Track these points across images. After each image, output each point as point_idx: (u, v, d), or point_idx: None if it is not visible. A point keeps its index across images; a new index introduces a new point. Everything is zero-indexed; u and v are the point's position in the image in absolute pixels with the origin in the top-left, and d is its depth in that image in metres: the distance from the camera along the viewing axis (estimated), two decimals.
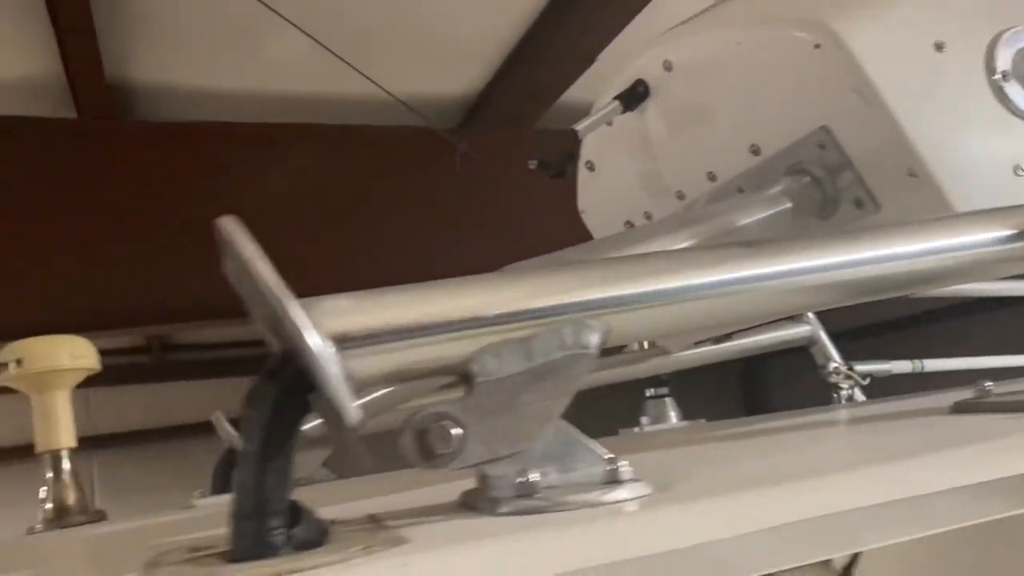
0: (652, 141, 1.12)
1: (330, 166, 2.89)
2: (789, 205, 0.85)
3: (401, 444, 0.46)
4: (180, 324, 3.24)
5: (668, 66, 1.03)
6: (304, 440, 1.33)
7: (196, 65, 2.67)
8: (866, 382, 1.42)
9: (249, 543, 0.40)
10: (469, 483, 0.49)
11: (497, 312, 0.46)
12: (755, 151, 0.96)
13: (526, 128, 3.07)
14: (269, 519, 0.41)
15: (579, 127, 1.08)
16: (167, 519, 0.84)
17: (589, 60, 2.66)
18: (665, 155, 1.09)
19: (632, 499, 0.44)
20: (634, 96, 1.07)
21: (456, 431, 0.44)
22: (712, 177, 1.03)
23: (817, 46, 0.84)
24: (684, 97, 1.03)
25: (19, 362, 0.83)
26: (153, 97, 2.77)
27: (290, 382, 0.42)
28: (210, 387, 6.04)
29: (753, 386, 5.81)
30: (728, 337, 1.36)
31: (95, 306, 2.82)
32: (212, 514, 0.89)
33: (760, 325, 1.39)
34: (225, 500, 1.11)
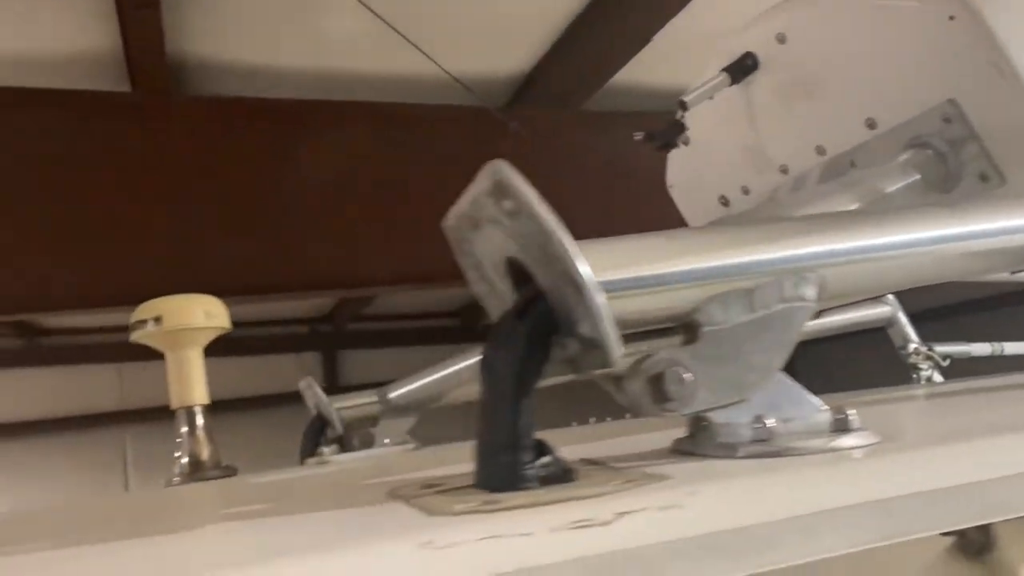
0: (756, 115, 1.12)
1: (380, 143, 2.90)
2: (918, 177, 0.86)
3: (629, 390, 0.47)
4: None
5: (781, 39, 1.03)
6: (390, 408, 1.34)
7: (251, 40, 2.68)
8: (946, 363, 1.42)
9: (504, 475, 0.42)
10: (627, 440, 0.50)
11: (725, 263, 0.47)
12: (871, 125, 0.97)
13: (573, 109, 3.06)
14: (523, 453, 0.42)
15: (687, 98, 1.08)
16: (318, 471, 0.86)
17: (642, 42, 2.65)
18: (770, 129, 1.09)
19: (864, 446, 0.45)
20: (742, 68, 1.08)
21: (688, 376, 0.45)
22: (821, 151, 1.03)
23: (952, 17, 0.84)
24: (796, 70, 1.03)
25: (157, 320, 0.85)
26: (207, 71, 2.78)
27: (540, 322, 0.43)
28: (245, 364, 6.12)
29: (816, 366, 6.10)
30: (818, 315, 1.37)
31: (146, 279, 2.85)
32: (361, 467, 0.91)
33: (844, 305, 1.40)
34: (355, 456, 1.13)
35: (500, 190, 0.42)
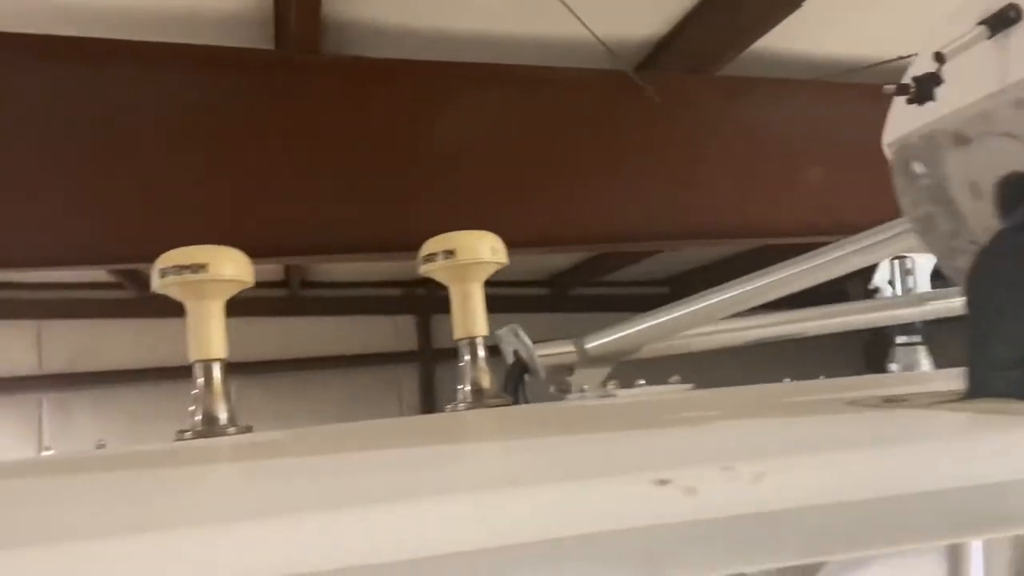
0: (1010, 69, 1.09)
1: (513, 106, 2.92)
2: None
3: None
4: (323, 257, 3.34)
5: None
6: (586, 359, 1.37)
7: (390, 1, 2.72)
8: None
9: (1017, 388, 0.43)
10: None
11: None
12: None
13: (710, 74, 3.02)
14: None
15: (945, 51, 1.06)
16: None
17: (792, 6, 2.59)
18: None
19: None
20: (1003, 21, 1.05)
21: None
22: None
23: None
24: None
25: (449, 253, 0.88)
26: (350, 32, 2.84)
27: None
28: (337, 324, 6.29)
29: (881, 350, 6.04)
30: None
31: (281, 237, 2.94)
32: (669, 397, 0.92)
33: None
34: (632, 392, 1.15)
35: None
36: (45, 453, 0.94)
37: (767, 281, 1.42)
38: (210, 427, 0.81)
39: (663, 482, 0.31)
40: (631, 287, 6.28)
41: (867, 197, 2.95)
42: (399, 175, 2.82)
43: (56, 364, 5.70)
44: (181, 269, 0.81)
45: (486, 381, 0.90)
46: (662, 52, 3.04)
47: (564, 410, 0.85)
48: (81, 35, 2.58)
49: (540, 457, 0.45)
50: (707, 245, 4.21)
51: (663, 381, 1.31)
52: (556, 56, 2.93)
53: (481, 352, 0.91)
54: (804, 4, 2.60)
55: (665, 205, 2.87)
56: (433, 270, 0.90)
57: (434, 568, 0.30)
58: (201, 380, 0.82)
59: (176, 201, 2.92)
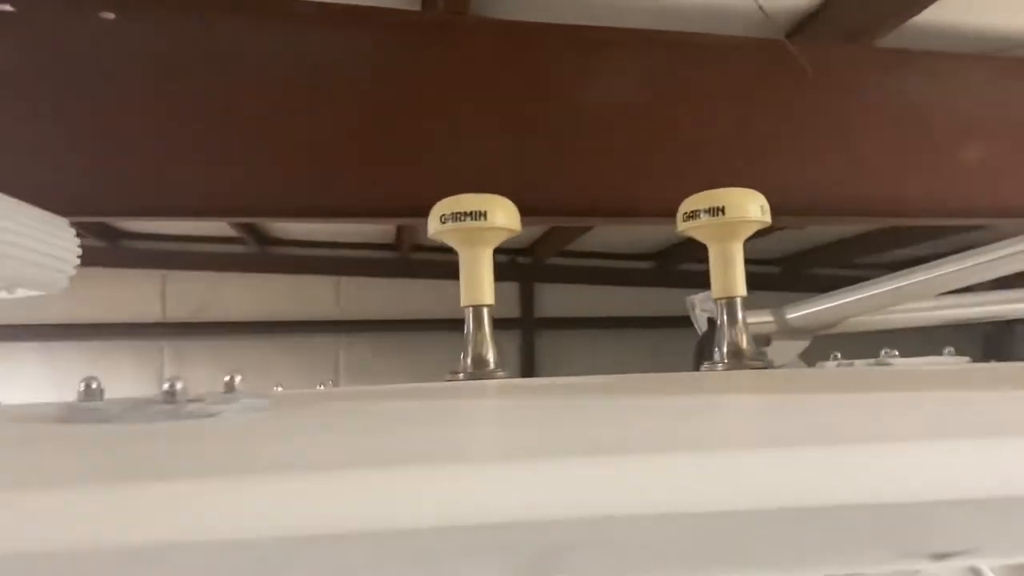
0: None
1: (666, 74, 2.87)
2: None
3: None
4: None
5: None
6: (785, 329, 1.34)
7: None
8: None
9: None
10: None
11: None
12: None
13: (865, 44, 2.91)
14: None
15: None
16: None
17: None
18: None
19: None
20: None
21: None
22: None
23: None
24: None
25: (717, 211, 0.87)
26: None
27: None
28: (441, 287, 6.38)
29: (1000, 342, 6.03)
30: None
31: (420, 194, 2.97)
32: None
33: None
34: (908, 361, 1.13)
35: None
36: (277, 389, 0.98)
37: (969, 264, 1.37)
38: (480, 369, 0.83)
39: None
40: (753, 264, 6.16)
41: None
42: (545, 140, 2.82)
43: (179, 313, 5.97)
44: (461, 216, 0.82)
45: (744, 342, 0.89)
46: (815, 20, 2.94)
47: (850, 375, 0.83)
48: None
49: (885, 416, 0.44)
50: (859, 222, 4.09)
51: (860, 357, 1.28)
52: (706, 22, 2.87)
53: (740, 313, 0.90)
54: None
55: (816, 179, 2.79)
56: (694, 228, 0.89)
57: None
58: (471, 324, 0.84)
59: (309, 159, 2.99)
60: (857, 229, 5.34)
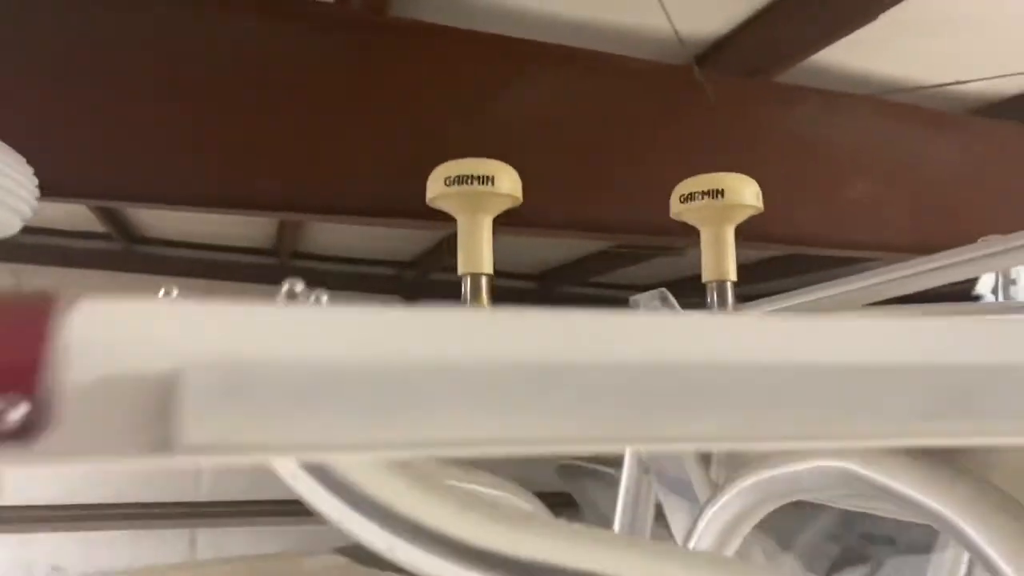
0: None
1: (577, 90, 2.91)
2: None
3: None
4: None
5: None
6: None
7: None
8: None
9: None
10: None
11: None
12: None
13: (762, 79, 3.07)
14: None
15: None
16: None
17: (866, 18, 2.64)
18: None
19: None
20: None
21: None
22: None
23: None
24: None
25: (717, 194, 0.87)
26: None
27: None
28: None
29: None
30: None
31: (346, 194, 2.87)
32: None
33: None
34: None
35: None
36: None
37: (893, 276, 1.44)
38: None
39: None
40: (624, 290, 6.31)
41: (907, 218, 3.04)
42: (453, 147, 2.78)
43: None
44: (468, 180, 0.79)
45: None
46: (718, 53, 3.08)
47: None
48: None
49: None
50: (747, 248, 4.27)
51: None
52: (616, 44, 2.94)
53: (730, 298, 0.90)
54: (870, 23, 2.66)
55: None
56: (691, 210, 0.89)
57: None
58: (468, 295, 0.80)
59: (181, 145, 2.82)
60: (599, 246, 5.25)
